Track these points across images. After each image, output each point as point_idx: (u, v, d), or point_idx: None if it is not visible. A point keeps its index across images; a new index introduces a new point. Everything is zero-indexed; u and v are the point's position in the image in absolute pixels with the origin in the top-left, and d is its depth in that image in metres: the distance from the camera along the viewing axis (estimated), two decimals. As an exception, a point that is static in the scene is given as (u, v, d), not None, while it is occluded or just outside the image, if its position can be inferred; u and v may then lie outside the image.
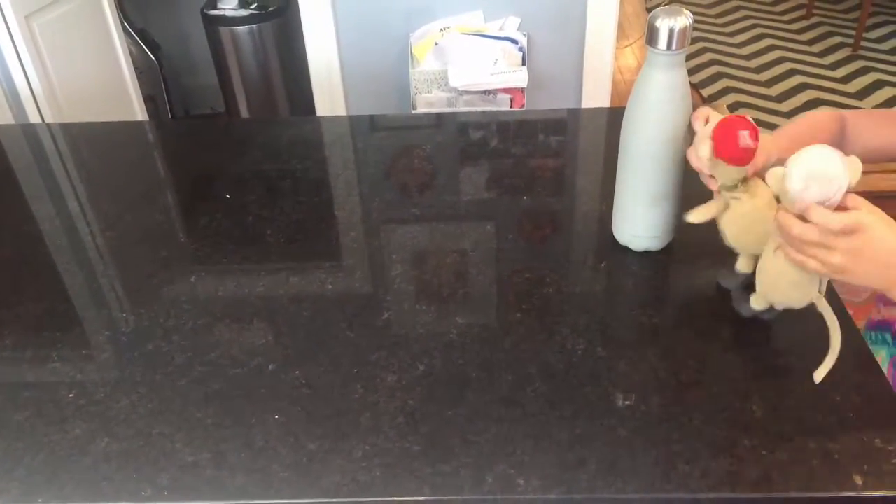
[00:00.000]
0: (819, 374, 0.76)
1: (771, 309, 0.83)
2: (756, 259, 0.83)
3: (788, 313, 0.83)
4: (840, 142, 0.94)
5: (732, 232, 0.85)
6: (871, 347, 0.93)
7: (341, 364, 0.82)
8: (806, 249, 0.71)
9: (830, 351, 0.76)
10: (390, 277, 0.95)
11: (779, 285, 0.79)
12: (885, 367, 0.99)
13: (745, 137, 0.75)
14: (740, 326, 0.85)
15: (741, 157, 0.77)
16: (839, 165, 0.68)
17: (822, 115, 0.96)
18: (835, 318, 0.76)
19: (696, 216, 0.84)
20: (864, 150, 0.88)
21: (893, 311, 0.99)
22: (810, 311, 0.85)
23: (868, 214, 0.68)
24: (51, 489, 0.70)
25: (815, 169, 0.68)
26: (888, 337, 0.99)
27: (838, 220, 0.67)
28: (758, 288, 0.82)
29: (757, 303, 0.83)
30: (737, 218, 0.83)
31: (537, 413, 0.75)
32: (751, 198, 0.81)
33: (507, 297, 0.91)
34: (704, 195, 1.03)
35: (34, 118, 1.98)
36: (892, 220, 0.69)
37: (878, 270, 0.70)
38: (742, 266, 0.87)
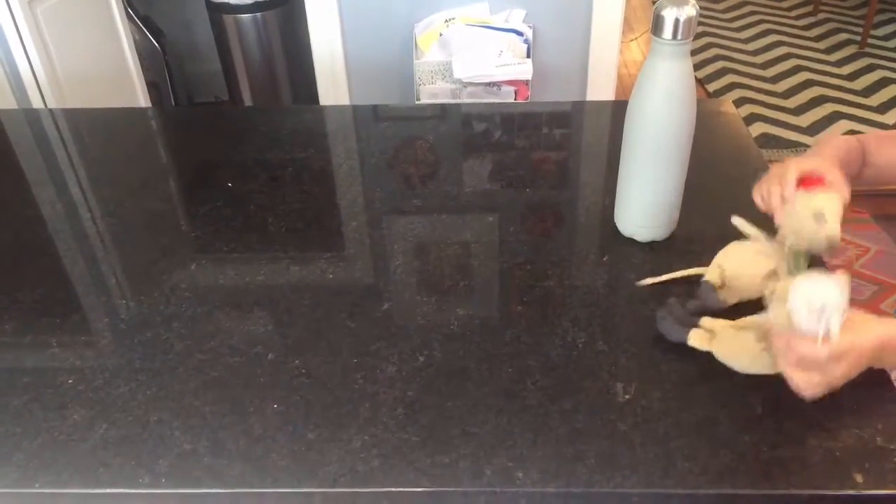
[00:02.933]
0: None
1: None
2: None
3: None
4: (858, 163, 0.94)
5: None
6: None
7: (341, 354, 0.82)
8: (802, 366, 0.70)
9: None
10: (391, 268, 0.95)
11: (741, 360, 0.78)
12: None
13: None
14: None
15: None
16: (838, 294, 0.67)
17: (848, 139, 0.94)
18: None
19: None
20: (878, 171, 0.91)
21: None
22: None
23: (859, 338, 0.69)
24: (48, 474, 0.70)
25: (821, 302, 0.67)
26: None
27: (831, 351, 0.67)
28: (715, 349, 0.79)
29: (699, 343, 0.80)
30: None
31: (537, 406, 0.75)
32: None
33: (509, 289, 0.91)
34: (708, 186, 1.02)
35: (37, 103, 1.97)
36: (874, 336, 0.70)
37: (861, 370, 0.70)
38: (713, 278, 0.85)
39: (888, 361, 0.73)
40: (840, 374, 0.69)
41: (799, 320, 0.68)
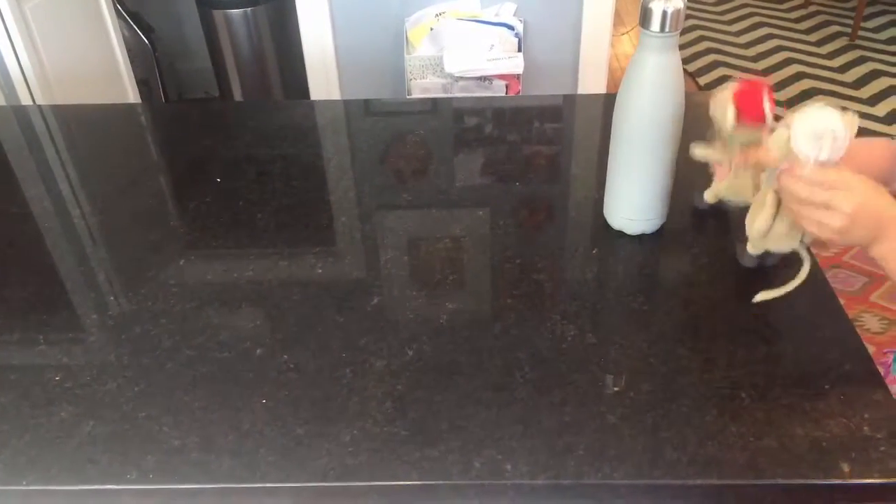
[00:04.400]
0: (760, 296, 0.81)
1: (767, 254, 0.85)
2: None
3: (781, 300, 0.83)
4: (888, 169, 0.91)
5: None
6: None
7: (330, 348, 0.82)
8: (812, 213, 0.73)
9: (786, 285, 0.80)
10: (381, 262, 0.95)
11: (769, 240, 0.82)
12: None
13: (765, 99, 0.78)
14: (730, 313, 0.85)
15: (758, 115, 0.79)
16: (840, 122, 0.69)
17: (878, 140, 0.93)
18: (809, 264, 0.80)
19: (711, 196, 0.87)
20: None
21: None
22: (803, 300, 0.85)
23: (853, 178, 0.72)
24: (36, 471, 0.70)
25: (823, 129, 0.70)
26: None
27: (842, 177, 0.71)
28: (749, 236, 0.83)
29: (753, 248, 0.84)
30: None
31: (526, 399, 0.75)
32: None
33: (498, 283, 0.91)
34: (698, 178, 1.02)
35: (25, 100, 1.96)
36: (869, 182, 0.73)
37: (867, 230, 0.73)
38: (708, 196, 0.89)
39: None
40: (848, 209, 0.70)
41: (800, 149, 0.71)
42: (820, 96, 3.18)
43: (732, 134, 0.81)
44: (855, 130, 0.70)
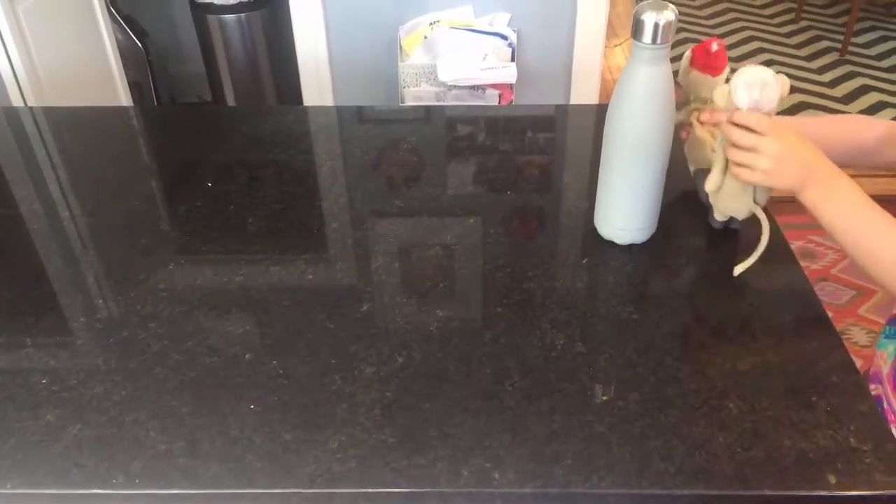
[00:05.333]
0: (738, 269, 0.90)
1: (732, 220, 0.96)
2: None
3: (769, 309, 0.84)
4: (873, 144, 0.99)
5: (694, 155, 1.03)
6: (883, 342, 0.96)
7: (319, 355, 0.81)
8: (742, 157, 0.84)
9: (756, 250, 0.89)
10: (372, 269, 0.95)
11: (723, 199, 0.92)
12: (889, 361, 1.00)
13: (713, 45, 0.94)
14: (719, 324, 0.85)
15: (713, 64, 0.93)
16: (772, 77, 0.83)
17: (853, 116, 1.02)
18: (767, 223, 0.89)
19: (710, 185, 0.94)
20: None
21: None
22: (790, 308, 0.86)
23: (786, 124, 0.83)
24: (21, 474, 0.69)
25: (755, 78, 0.83)
26: None
27: (763, 122, 0.82)
28: (712, 203, 0.95)
29: (718, 214, 0.96)
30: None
31: (515, 407, 0.75)
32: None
33: (489, 291, 0.91)
34: (688, 189, 1.03)
35: (17, 102, 1.95)
36: (800, 135, 0.84)
37: (795, 173, 0.83)
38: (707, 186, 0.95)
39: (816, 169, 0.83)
40: (773, 151, 0.82)
41: (737, 97, 0.84)
42: (803, 101, 3.20)
43: (690, 81, 0.95)
44: (787, 89, 0.84)
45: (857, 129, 1.01)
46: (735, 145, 0.85)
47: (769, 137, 0.82)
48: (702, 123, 0.94)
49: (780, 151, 0.81)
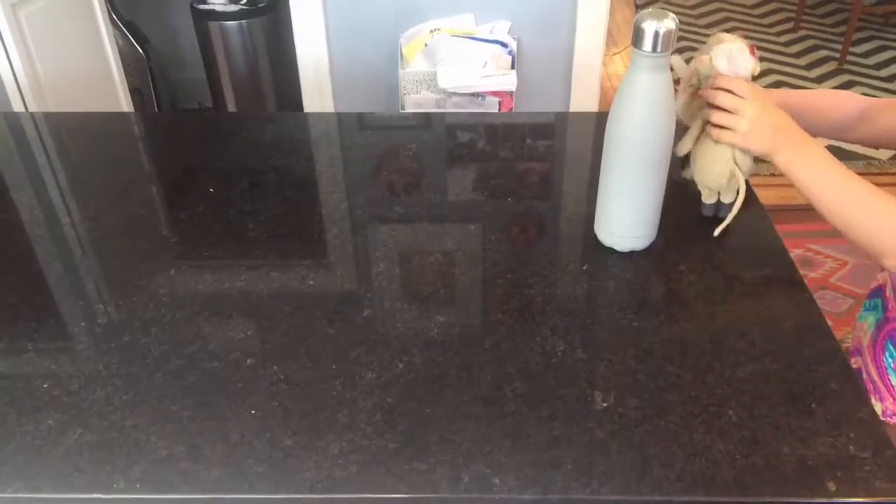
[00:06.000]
0: (717, 230, 0.97)
1: (720, 205, 1.00)
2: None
3: (768, 317, 0.84)
4: (853, 120, 1.05)
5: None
6: (863, 314, 1.03)
7: (320, 360, 0.82)
8: (722, 118, 0.92)
9: (732, 209, 0.97)
10: (372, 275, 0.95)
11: (703, 164, 0.98)
12: (869, 332, 1.01)
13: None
14: (718, 331, 0.86)
15: None
16: (746, 49, 0.92)
17: (835, 91, 1.09)
18: (744, 185, 0.96)
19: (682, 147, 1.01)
20: (884, 131, 1.03)
21: (885, 276, 1.05)
22: (790, 315, 0.86)
23: (762, 92, 0.92)
24: (22, 479, 0.69)
25: (732, 50, 0.92)
26: (878, 302, 1.05)
27: (749, 85, 0.91)
28: (695, 177, 1.01)
29: (705, 197, 1.01)
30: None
31: (515, 413, 0.75)
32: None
33: (489, 297, 0.91)
34: (688, 196, 1.04)
35: (18, 107, 1.96)
36: (775, 105, 0.92)
37: (769, 136, 0.91)
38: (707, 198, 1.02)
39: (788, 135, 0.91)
40: (751, 114, 0.89)
41: (717, 63, 0.93)
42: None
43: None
44: (757, 69, 0.93)
45: (839, 102, 1.07)
46: (717, 107, 0.93)
47: (748, 101, 0.90)
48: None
49: (758, 114, 0.89)
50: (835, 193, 0.89)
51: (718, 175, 0.97)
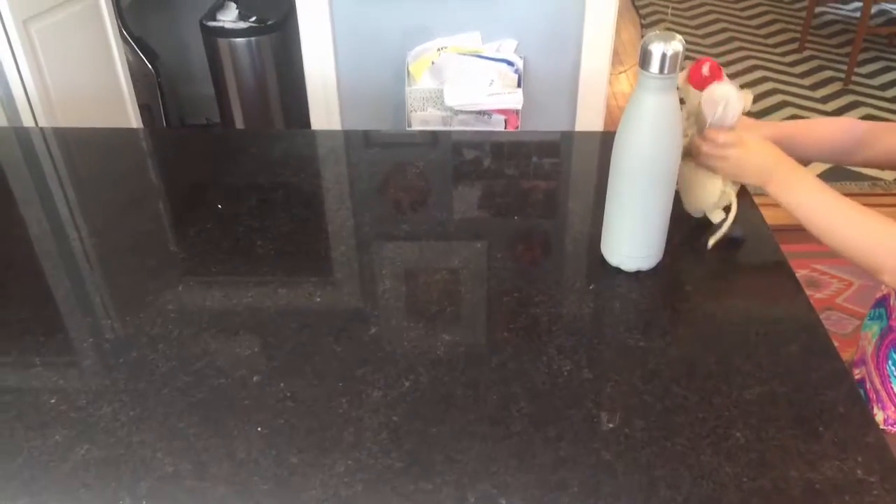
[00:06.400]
0: (711, 241, 0.99)
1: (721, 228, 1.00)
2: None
3: (775, 338, 0.84)
4: (852, 145, 1.08)
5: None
6: (868, 323, 1.06)
7: (326, 378, 0.82)
8: (711, 161, 0.98)
9: (725, 223, 0.99)
10: (378, 292, 0.95)
11: (693, 189, 1.02)
12: (873, 342, 1.02)
13: (704, 69, 0.98)
14: (725, 352, 0.86)
15: (701, 81, 0.98)
16: (736, 96, 0.94)
17: (834, 119, 1.12)
18: (735, 202, 0.99)
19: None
20: (885, 154, 1.06)
21: (888, 288, 1.07)
22: (796, 337, 0.86)
23: (747, 136, 0.96)
24: (29, 494, 0.69)
25: (719, 96, 0.94)
26: (883, 312, 1.06)
27: (724, 137, 0.95)
28: (683, 199, 1.04)
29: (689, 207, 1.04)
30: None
31: (521, 433, 0.75)
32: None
33: (495, 316, 0.91)
34: (691, 217, 1.04)
35: (28, 122, 1.97)
36: (762, 141, 0.97)
37: (754, 173, 0.97)
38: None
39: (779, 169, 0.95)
40: (734, 159, 0.96)
41: (705, 111, 0.96)
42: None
43: (685, 91, 1.00)
44: (749, 104, 0.96)
45: (836, 128, 1.11)
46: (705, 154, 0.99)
47: (734, 149, 0.96)
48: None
49: (739, 158, 0.96)
50: (826, 217, 0.93)
51: (708, 195, 1.00)
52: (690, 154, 1.00)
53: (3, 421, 0.76)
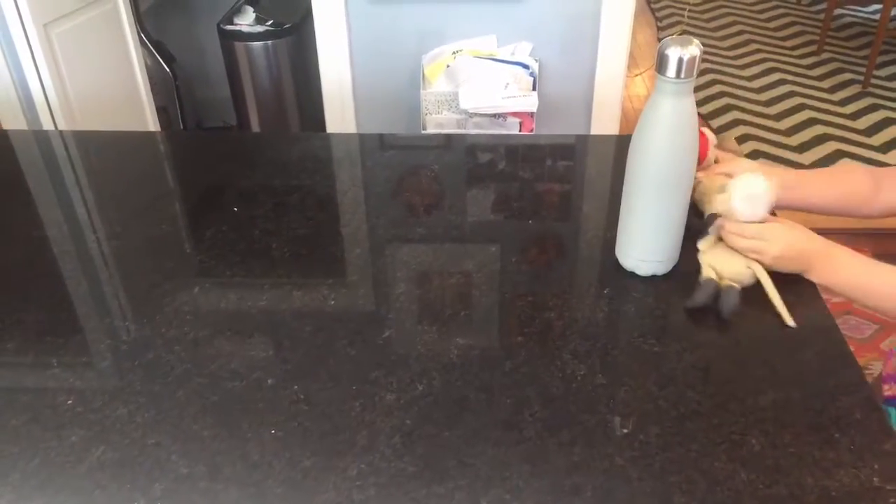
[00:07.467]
0: (788, 319, 0.90)
1: (718, 291, 0.93)
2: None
3: (791, 343, 0.83)
4: (871, 192, 1.06)
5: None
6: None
7: (340, 381, 0.82)
8: (748, 254, 0.95)
9: (775, 302, 0.92)
10: (393, 296, 0.95)
11: (724, 264, 0.95)
12: None
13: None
14: (740, 358, 0.85)
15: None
16: (764, 186, 0.93)
17: (850, 167, 1.08)
18: (768, 279, 0.93)
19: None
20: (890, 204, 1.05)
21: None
22: (813, 342, 0.85)
23: (775, 228, 0.94)
24: (44, 495, 0.70)
25: (748, 192, 0.93)
26: (893, 412, 1.07)
27: (763, 228, 0.94)
28: (705, 271, 0.95)
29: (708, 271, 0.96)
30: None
31: (535, 438, 0.75)
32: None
33: (509, 320, 0.91)
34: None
35: (47, 125, 1.99)
36: (789, 230, 0.95)
37: (795, 263, 0.94)
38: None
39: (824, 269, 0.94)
40: (775, 251, 0.93)
41: (734, 207, 0.94)
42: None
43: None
44: (776, 194, 0.93)
45: (849, 177, 1.11)
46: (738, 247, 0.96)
47: (767, 242, 0.93)
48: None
49: (781, 251, 0.93)
50: (869, 289, 0.94)
51: (736, 274, 0.94)
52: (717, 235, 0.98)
53: (20, 422, 0.77)
